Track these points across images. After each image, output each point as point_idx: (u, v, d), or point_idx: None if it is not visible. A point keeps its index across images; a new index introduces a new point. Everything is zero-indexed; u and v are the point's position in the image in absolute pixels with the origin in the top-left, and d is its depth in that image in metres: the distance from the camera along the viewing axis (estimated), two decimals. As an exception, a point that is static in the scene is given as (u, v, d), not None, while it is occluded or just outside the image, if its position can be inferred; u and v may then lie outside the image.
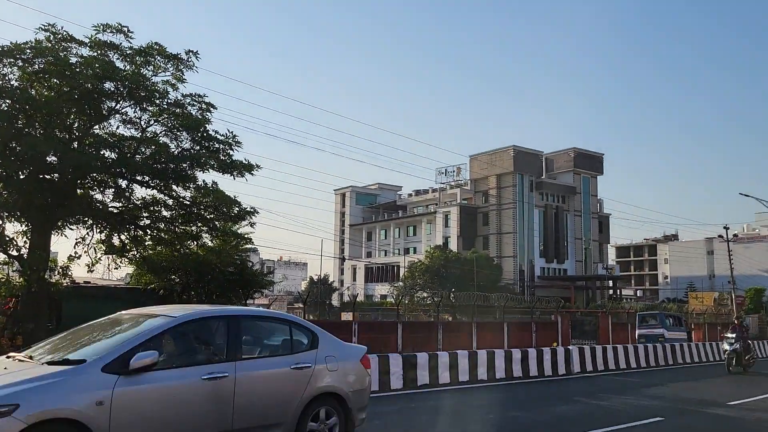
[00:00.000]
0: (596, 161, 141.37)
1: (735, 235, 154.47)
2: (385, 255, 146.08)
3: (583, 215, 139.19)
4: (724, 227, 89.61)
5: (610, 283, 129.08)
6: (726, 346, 38.49)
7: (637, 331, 53.60)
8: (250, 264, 32.37)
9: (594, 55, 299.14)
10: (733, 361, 37.81)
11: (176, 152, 27.84)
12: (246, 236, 31.71)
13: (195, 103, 28.43)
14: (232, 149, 28.54)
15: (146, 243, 29.56)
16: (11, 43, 25.34)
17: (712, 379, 33.39)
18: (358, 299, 75.76)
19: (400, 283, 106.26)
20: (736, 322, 40.19)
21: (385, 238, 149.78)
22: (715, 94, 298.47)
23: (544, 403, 23.08)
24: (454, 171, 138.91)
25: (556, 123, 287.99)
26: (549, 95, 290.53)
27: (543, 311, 59.84)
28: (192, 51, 28.00)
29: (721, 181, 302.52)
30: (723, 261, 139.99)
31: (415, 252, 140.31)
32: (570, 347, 35.55)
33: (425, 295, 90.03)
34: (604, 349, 37.30)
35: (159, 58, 27.79)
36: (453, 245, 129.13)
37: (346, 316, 60.44)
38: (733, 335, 38.65)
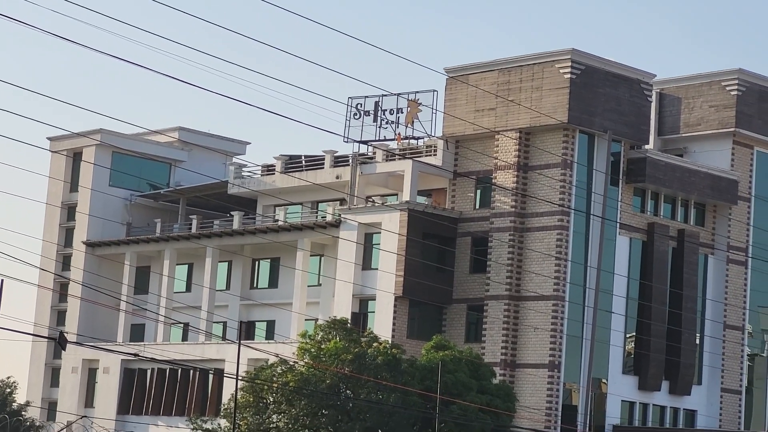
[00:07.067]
0: None
1: None
2: (183, 336, 65.05)
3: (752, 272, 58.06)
4: None
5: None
6: None
7: None
8: None
9: None
10: None
11: None
12: None
13: None
14: None
15: None
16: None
17: None
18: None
19: (219, 425, 48.19)
20: None
21: (187, 288, 62.66)
22: None
23: None
24: (399, 110, 55.44)
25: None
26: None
27: None
28: None
29: None
30: None
31: (270, 334, 59.96)
32: None
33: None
34: None
35: None
36: (383, 325, 53.99)
37: None
38: None
